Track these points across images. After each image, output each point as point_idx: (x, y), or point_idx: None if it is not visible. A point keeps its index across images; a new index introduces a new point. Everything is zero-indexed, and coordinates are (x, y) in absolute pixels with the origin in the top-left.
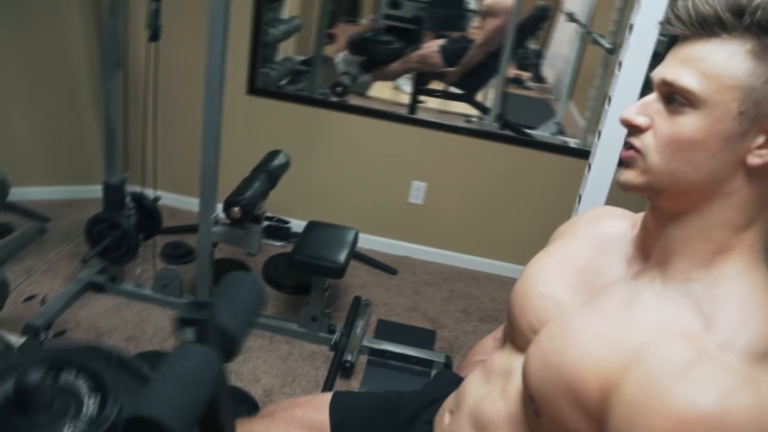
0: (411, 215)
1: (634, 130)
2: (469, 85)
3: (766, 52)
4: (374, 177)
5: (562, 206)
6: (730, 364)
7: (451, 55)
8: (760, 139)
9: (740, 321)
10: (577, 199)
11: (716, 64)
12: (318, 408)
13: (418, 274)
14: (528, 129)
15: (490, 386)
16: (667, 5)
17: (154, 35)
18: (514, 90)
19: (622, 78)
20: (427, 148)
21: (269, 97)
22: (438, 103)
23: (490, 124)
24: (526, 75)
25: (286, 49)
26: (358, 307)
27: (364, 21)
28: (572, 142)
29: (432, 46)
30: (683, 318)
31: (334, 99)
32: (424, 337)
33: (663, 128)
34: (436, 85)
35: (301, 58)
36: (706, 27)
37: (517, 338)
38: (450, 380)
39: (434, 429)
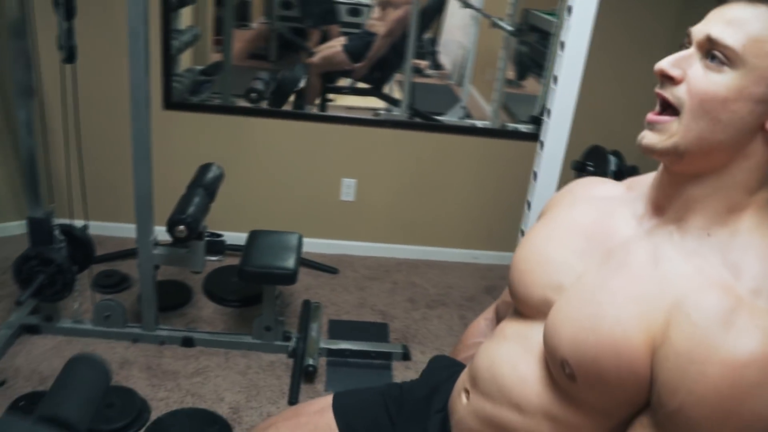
0: (344, 213)
1: (666, 81)
2: (375, 78)
3: None
4: (303, 179)
5: (489, 187)
6: (764, 308)
7: (355, 51)
8: None
9: (764, 269)
10: (533, 176)
11: (762, 29)
12: (321, 412)
13: (359, 270)
14: (436, 115)
15: (507, 351)
16: None
17: (70, 57)
18: (415, 79)
19: (566, 57)
20: (351, 145)
21: (186, 110)
22: (344, 99)
23: (402, 115)
24: (424, 63)
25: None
26: (309, 310)
27: (255, 25)
28: (480, 124)
29: (335, 46)
30: (712, 269)
31: (249, 105)
32: (377, 331)
33: (698, 84)
34: (343, 82)
35: (199, 67)
36: None
37: (523, 307)
38: (445, 363)
39: (451, 414)
